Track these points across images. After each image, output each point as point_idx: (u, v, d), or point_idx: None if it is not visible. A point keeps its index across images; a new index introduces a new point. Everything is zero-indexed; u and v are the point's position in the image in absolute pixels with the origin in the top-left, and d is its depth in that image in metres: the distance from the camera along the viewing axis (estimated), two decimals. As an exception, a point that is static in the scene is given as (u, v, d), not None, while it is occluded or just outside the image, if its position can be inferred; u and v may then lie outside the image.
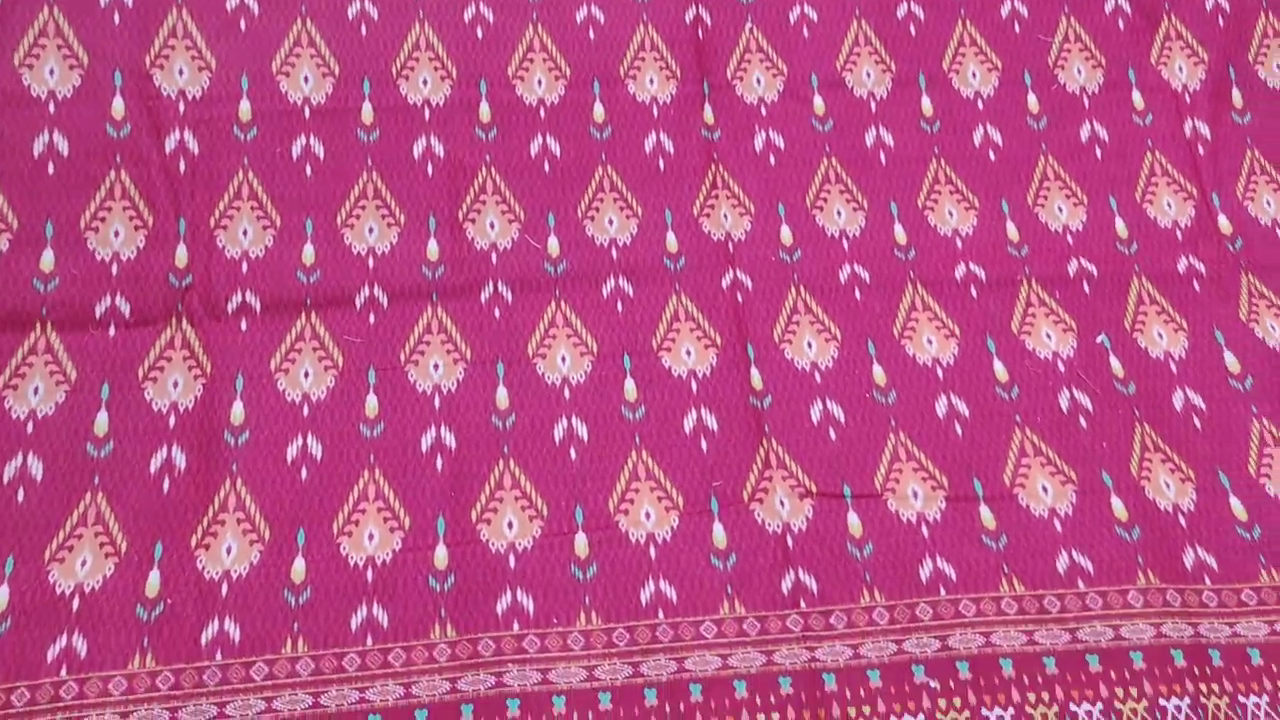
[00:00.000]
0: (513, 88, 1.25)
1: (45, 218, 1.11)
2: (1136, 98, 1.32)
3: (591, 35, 1.28)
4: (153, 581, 0.98)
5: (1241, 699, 0.99)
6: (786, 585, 1.03)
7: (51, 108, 1.15)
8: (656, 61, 1.28)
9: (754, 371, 1.14)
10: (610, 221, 1.20)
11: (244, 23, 1.23)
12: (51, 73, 1.17)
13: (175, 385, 1.07)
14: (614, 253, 1.19)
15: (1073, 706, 0.98)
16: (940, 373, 1.15)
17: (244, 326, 1.10)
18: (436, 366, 1.12)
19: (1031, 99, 1.31)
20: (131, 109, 1.17)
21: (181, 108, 1.18)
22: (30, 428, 1.03)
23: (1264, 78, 1.33)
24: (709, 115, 1.26)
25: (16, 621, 0.95)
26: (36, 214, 1.11)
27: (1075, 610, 1.02)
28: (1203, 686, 0.99)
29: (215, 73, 1.20)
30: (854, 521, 1.06)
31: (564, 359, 1.14)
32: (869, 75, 1.30)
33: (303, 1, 1.24)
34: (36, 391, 1.04)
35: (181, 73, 1.19)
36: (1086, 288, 1.22)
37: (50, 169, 1.13)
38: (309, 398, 1.08)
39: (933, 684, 0.98)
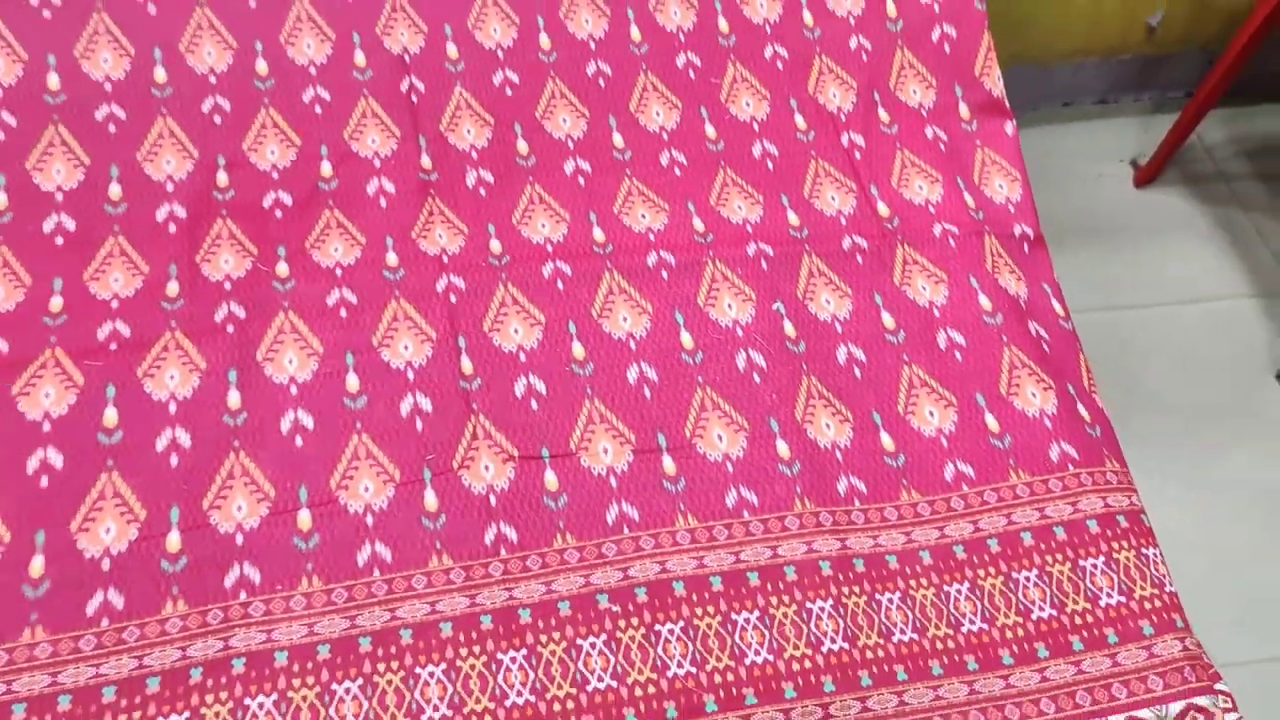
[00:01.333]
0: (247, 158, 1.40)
1: None
2: (799, 119, 1.53)
3: (318, 111, 1.44)
4: None
5: (878, 597, 1.16)
6: (489, 537, 1.17)
7: None
8: (378, 126, 1.44)
9: (464, 359, 1.28)
10: (335, 249, 1.35)
11: None
12: None
13: None
14: (338, 272, 1.34)
15: (734, 616, 1.13)
16: (633, 345, 1.32)
17: None
18: (173, 377, 1.23)
19: (709, 128, 1.50)
20: None
21: None
22: None
23: (904, 100, 1.57)
24: (426, 162, 1.43)
25: None
26: None
27: (740, 536, 1.19)
28: (844, 589, 1.16)
29: None
30: (550, 478, 1.21)
31: (291, 361, 1.26)
32: (565, 121, 1.48)
33: None
34: None
35: None
36: (764, 265, 1.40)
37: None
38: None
39: (614, 609, 1.13)
